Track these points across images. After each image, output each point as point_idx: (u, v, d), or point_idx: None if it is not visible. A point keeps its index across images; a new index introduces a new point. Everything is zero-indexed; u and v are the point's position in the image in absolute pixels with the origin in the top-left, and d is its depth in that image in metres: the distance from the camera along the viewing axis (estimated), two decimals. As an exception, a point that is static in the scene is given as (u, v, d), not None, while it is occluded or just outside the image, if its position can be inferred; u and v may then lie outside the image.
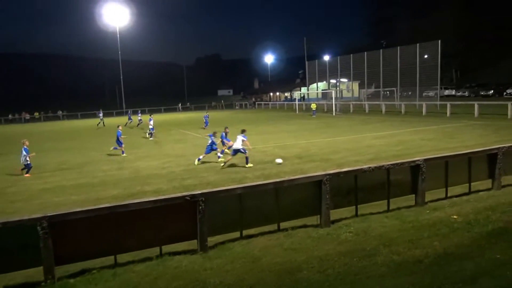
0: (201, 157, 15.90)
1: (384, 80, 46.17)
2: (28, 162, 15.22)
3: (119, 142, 19.30)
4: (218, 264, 6.55)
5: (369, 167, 8.51)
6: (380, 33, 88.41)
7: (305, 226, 7.95)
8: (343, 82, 59.93)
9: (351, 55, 50.85)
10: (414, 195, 9.02)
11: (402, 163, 8.88)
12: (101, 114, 45.17)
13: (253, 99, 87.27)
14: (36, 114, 73.88)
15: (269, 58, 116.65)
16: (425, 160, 8.97)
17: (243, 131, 15.18)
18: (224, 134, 17.38)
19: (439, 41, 38.69)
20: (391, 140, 19.57)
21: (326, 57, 63.03)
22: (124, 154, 19.05)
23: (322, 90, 61.06)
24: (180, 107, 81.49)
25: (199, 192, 7.08)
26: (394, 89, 45.19)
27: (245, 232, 7.56)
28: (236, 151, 14.62)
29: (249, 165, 14.47)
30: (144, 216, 6.77)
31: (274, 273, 6.10)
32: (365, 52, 48.50)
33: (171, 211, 6.95)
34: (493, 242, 6.68)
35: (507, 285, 5.29)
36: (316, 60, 59.69)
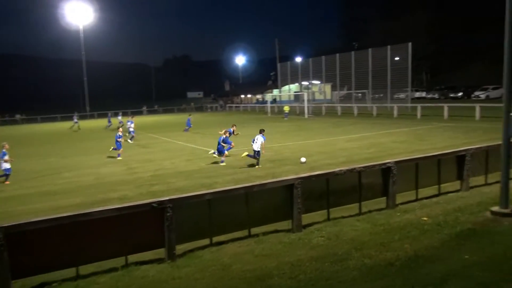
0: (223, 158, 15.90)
1: (356, 82, 47.11)
2: (7, 167, 14.53)
3: (118, 144, 19.13)
4: (186, 273, 6.49)
5: (341, 170, 8.65)
6: (352, 35, 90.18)
7: (276, 231, 7.99)
8: (315, 84, 60.70)
9: (323, 57, 51.65)
10: (385, 197, 9.23)
11: (373, 166, 9.08)
12: (75, 118, 44.60)
13: (220, 102, 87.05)
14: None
15: (240, 60, 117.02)
16: (396, 162, 9.21)
17: (261, 131, 15.41)
18: (230, 133, 17.15)
19: (410, 43, 39.87)
20: (363, 142, 19.96)
21: (298, 59, 63.92)
22: (120, 158, 18.78)
23: (294, 92, 61.61)
24: (145, 110, 78.31)
25: (167, 198, 7.01)
26: (366, 91, 46.17)
27: (215, 239, 7.53)
28: (256, 153, 14.89)
29: (259, 166, 14.78)
30: (108, 225, 6.63)
31: (245, 281, 6.10)
32: (337, 54, 49.37)
33: (137, 219, 6.84)
34: (462, 243, 6.92)
35: (475, 286, 5.47)
36: (288, 62, 60.33)
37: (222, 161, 16.01)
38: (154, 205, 6.81)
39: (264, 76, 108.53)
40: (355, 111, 41.48)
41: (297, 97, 58.61)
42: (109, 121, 41.00)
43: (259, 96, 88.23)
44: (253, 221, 7.85)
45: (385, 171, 9.12)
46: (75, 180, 14.47)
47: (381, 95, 46.14)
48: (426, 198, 9.72)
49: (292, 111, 45.86)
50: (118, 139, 19.18)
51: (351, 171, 8.73)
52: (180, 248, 7.17)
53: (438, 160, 10.01)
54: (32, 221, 6.23)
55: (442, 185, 10.12)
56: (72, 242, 6.43)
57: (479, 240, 6.99)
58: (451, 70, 70.52)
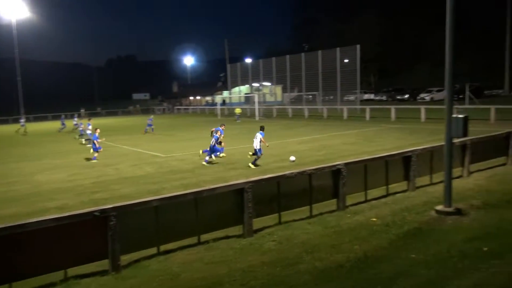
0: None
1: (306, 84, 48.15)
2: None
3: (94, 146, 18.93)
4: (132, 284, 6.32)
5: (292, 173, 8.80)
6: (303, 36, 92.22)
7: (227, 237, 7.98)
8: (266, 86, 61.40)
9: (274, 58, 52.36)
10: (335, 199, 9.49)
11: (323, 168, 9.31)
12: (22, 120, 42.40)
13: (164, 104, 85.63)
14: None
15: (189, 60, 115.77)
16: (346, 164, 9.50)
17: (262, 128, 15.73)
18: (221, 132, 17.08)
19: (358, 46, 41.33)
20: (314, 144, 20.42)
21: (249, 60, 64.22)
22: (95, 160, 18.49)
23: (245, 94, 61.94)
24: (83, 113, 68.24)
25: (110, 206, 6.79)
26: (316, 93, 47.30)
27: (162, 248, 7.39)
28: (257, 151, 15.12)
29: (252, 166, 14.88)
30: (45, 237, 6.32)
31: (194, 290, 6.04)
32: (287, 56, 50.22)
33: (78, 229, 6.58)
34: (408, 242, 7.25)
35: (422, 284, 5.75)
36: (238, 63, 60.60)
37: (206, 160, 16.28)
38: (96, 214, 6.58)
39: (214, 78, 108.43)
40: (306, 113, 42.35)
41: (248, 99, 58.99)
42: (63, 124, 39.36)
43: (208, 98, 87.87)
44: (203, 227, 7.79)
45: (335, 173, 9.38)
46: (9, 189, 13.67)
47: (331, 97, 47.46)
48: (375, 199, 10.10)
49: (243, 113, 46.06)
50: (95, 141, 18.94)
51: (301, 173, 8.90)
52: (125, 258, 6.98)
53: (386, 161, 10.44)
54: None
55: (390, 186, 10.56)
56: (4, 256, 6.07)
57: (425, 239, 7.36)
58: (398, 72, 73.87)
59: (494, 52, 55.09)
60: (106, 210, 6.67)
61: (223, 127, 17.76)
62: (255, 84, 59.65)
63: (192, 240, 7.73)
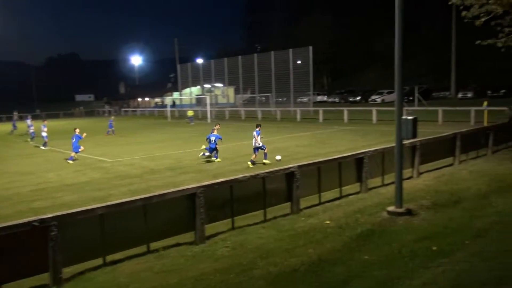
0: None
1: (259, 86, 48.52)
2: None
3: (76, 146, 19.03)
4: (76, 298, 6.09)
5: (245, 177, 8.82)
6: (255, 37, 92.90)
7: (178, 244, 7.87)
8: (218, 87, 61.25)
9: (225, 58, 52.37)
10: (289, 203, 9.61)
11: (277, 171, 9.40)
12: None
13: (106, 107, 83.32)
14: None
15: (136, 60, 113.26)
16: (299, 167, 9.65)
17: (258, 126, 16.38)
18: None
19: (311, 47, 42.18)
20: (267, 147, 20.54)
21: (200, 60, 63.81)
22: (70, 162, 18.46)
23: (196, 95, 61.49)
24: (16, 115, 63.89)
25: (51, 215, 6.51)
26: (270, 94, 47.77)
27: (109, 258, 7.17)
28: (257, 149, 15.85)
29: (250, 165, 15.51)
30: (-23, 250, 5.96)
31: (144, 301, 5.90)
32: (239, 56, 50.39)
33: (15, 240, 6.24)
34: (362, 244, 7.47)
35: (374, 285, 5.95)
36: (189, 63, 60.09)
37: (204, 154, 17.26)
38: (35, 223, 6.28)
39: (164, 78, 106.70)
40: (259, 115, 42.65)
41: (199, 101, 58.59)
42: (14, 126, 37.32)
43: (158, 100, 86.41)
44: (153, 235, 7.63)
45: (289, 176, 9.51)
46: None
47: (285, 98, 48.12)
48: (329, 201, 10.33)
49: (194, 116, 45.68)
50: (77, 139, 19.14)
51: (255, 177, 8.94)
52: (68, 271, 6.70)
53: (339, 163, 10.71)
54: None
55: (343, 188, 10.83)
56: None
57: (377, 240, 7.62)
58: (350, 74, 76.10)
59: (441, 54, 58.01)
60: (46, 219, 6.38)
61: (218, 127, 18.34)
62: (207, 85, 59.36)
63: (141, 249, 7.55)
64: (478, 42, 15.18)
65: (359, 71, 73.06)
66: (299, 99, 48.39)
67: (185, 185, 9.83)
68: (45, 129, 25.32)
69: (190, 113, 42.96)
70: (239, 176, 8.90)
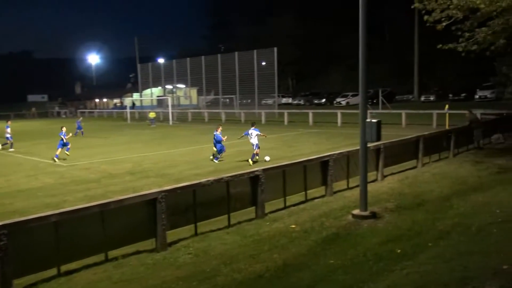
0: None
1: (223, 87, 48.39)
2: None
3: (61, 143, 19.44)
4: (27, 312, 5.86)
5: (208, 181, 8.77)
6: (219, 37, 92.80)
7: (138, 252, 7.73)
8: (180, 88, 60.69)
9: (188, 59, 51.93)
10: (254, 207, 9.63)
11: (241, 175, 9.41)
12: None
13: (57, 108, 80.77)
14: None
15: (93, 58, 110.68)
16: (264, 170, 9.69)
17: (253, 124, 17.33)
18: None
19: (275, 48, 42.49)
20: (232, 150, 20.54)
21: (161, 60, 63.05)
22: (57, 161, 18.73)
23: (157, 96, 60.67)
24: None
25: (0, 223, 6.24)
26: (234, 96, 47.74)
27: (63, 268, 6.95)
28: (257, 146, 16.55)
29: (250, 162, 16.01)
30: None
31: (101, 313, 5.75)
32: (203, 57, 50.11)
33: (-41, 252, 5.96)
34: (327, 248, 7.58)
35: (340, 289, 6.04)
36: (150, 63, 59.19)
37: (216, 158, 17.20)
38: (-17, 233, 6.01)
39: (123, 78, 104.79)
40: (223, 117, 42.56)
41: (161, 102, 57.85)
42: None
43: (117, 101, 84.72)
44: (111, 243, 7.46)
45: (253, 179, 9.52)
46: None
47: (249, 100, 48.21)
48: (294, 205, 10.42)
49: (155, 118, 45.07)
50: (63, 137, 19.51)
51: (218, 181, 8.91)
52: (19, 282, 6.46)
53: (304, 167, 10.83)
54: None
55: (308, 192, 10.97)
56: None
57: (342, 244, 7.75)
58: (315, 75, 77.17)
59: (404, 58, 59.80)
60: (-5, 228, 6.12)
61: (220, 128, 18.02)
62: (169, 86, 58.70)
63: (99, 257, 7.37)
64: (439, 46, 15.73)
65: (324, 72, 74.14)
66: (264, 101, 48.59)
67: (146, 190, 9.69)
68: (9, 130, 24.31)
69: (151, 115, 42.36)
70: (202, 180, 8.84)
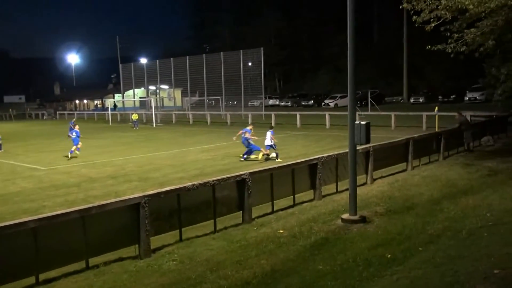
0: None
1: (208, 88, 48.36)
2: None
3: (76, 140, 20.55)
4: (4, 322, 5.77)
5: (193, 185, 8.74)
6: (204, 37, 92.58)
7: (121, 259, 7.68)
8: (164, 89, 60.46)
9: (172, 59, 51.76)
10: (241, 212, 9.62)
11: (227, 178, 9.39)
12: None
13: (26, 109, 79.92)
14: None
15: (73, 58, 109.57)
16: (251, 173, 9.68)
17: (271, 127, 18.82)
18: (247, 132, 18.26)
19: (262, 48, 42.63)
20: (217, 153, 20.55)
21: (144, 60, 62.73)
22: (78, 152, 20.36)
23: (140, 97, 60.31)
24: None
25: (-25, 230, 6.15)
26: (219, 98, 47.70)
27: (42, 276, 6.86)
28: (269, 147, 17.61)
29: (279, 160, 16.88)
30: None
31: (82, 322, 5.68)
32: (187, 57, 50.00)
33: None
34: (316, 253, 7.60)
35: (329, 295, 6.05)
36: (132, 63, 58.84)
37: (244, 157, 17.79)
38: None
39: (104, 79, 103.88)
40: (208, 119, 42.48)
41: (144, 104, 57.54)
42: None
43: (98, 102, 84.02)
44: (92, 250, 7.38)
45: (240, 183, 9.51)
46: None
47: (235, 102, 48.25)
48: (282, 209, 10.44)
49: (138, 120, 44.81)
50: (76, 136, 20.72)
51: (204, 185, 8.88)
52: (-6, 292, 6.35)
53: (292, 170, 10.85)
54: None
55: (296, 195, 10.99)
56: None
57: (331, 249, 7.77)
58: (302, 77, 77.56)
59: (393, 59, 60.44)
60: (-30, 235, 6.02)
61: (251, 127, 18.99)
62: (152, 87, 58.42)
63: (80, 265, 7.29)
64: (428, 47, 15.93)
65: (312, 73, 74.52)
66: (250, 103, 48.69)
67: (129, 194, 9.63)
68: None
69: (134, 116, 42.04)
70: (187, 184, 8.81)
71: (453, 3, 13.35)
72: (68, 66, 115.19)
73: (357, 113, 25.83)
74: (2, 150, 23.98)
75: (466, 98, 45.79)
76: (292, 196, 10.90)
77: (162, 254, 7.90)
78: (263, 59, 42.91)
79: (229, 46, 55.31)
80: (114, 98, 69.80)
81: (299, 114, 35.81)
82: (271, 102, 63.28)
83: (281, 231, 8.87)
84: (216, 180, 9.17)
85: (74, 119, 34.10)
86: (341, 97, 53.73)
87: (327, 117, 33.20)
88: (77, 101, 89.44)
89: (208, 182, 9.01)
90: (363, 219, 9.21)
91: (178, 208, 8.49)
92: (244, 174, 9.59)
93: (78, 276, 7.09)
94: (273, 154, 17.57)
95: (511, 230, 8.00)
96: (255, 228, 9.19)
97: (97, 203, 7.71)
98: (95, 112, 67.56)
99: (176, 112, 49.16)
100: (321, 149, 19.83)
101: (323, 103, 56.65)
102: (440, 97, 49.21)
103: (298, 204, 10.85)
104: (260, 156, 17.49)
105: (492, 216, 8.95)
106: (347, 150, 9.96)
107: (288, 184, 10.78)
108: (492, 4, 12.91)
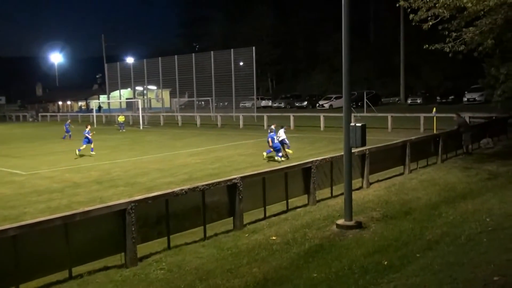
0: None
1: (198, 89, 48.24)
2: None
3: (86, 141, 21.98)
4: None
5: (182, 190, 8.72)
6: (194, 35, 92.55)
7: (106, 268, 7.64)
8: (152, 90, 60.28)
9: (160, 58, 51.61)
10: (232, 218, 9.61)
11: (218, 183, 9.38)
12: None
13: (6, 111, 79.53)
14: None
15: (56, 58, 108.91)
16: (242, 178, 9.68)
17: (282, 127, 19.39)
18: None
19: (254, 47, 42.64)
20: (207, 156, 20.51)
21: (130, 59, 62.47)
22: (93, 152, 21.86)
23: (126, 99, 60.07)
24: None
25: (-49, 239, 6.08)
26: (210, 99, 47.62)
27: (23, 287, 6.80)
28: (283, 143, 18.49)
29: (282, 159, 17.79)
30: None
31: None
32: (176, 56, 49.88)
33: None
34: (310, 260, 7.60)
35: (324, 304, 6.06)
36: (118, 63, 58.57)
37: (279, 156, 18.10)
38: None
39: (89, 79, 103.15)
40: (198, 121, 42.40)
41: (130, 105, 57.30)
42: None
43: (82, 103, 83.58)
44: (76, 258, 7.34)
45: (231, 188, 9.50)
46: None
47: (226, 103, 48.18)
48: (275, 215, 10.44)
49: (125, 122, 44.65)
50: (87, 135, 22.18)
51: (193, 190, 8.86)
52: (-28, 304, 6.28)
53: (285, 174, 10.86)
54: None
55: (290, 200, 11.00)
56: None
57: (326, 256, 7.78)
58: (295, 77, 77.75)
59: (390, 59, 60.79)
60: None
61: (274, 126, 19.50)
62: (139, 88, 58.20)
63: (62, 274, 7.24)
64: (426, 46, 16.03)
65: (305, 73, 74.69)
66: (242, 104, 48.63)
67: (114, 200, 9.58)
68: None
69: (121, 118, 41.85)
70: (176, 189, 8.78)
71: (451, 1, 13.45)
72: (51, 65, 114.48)
73: (353, 114, 25.92)
74: None
75: (465, 99, 46.09)
76: (285, 201, 10.90)
77: (149, 263, 7.87)
78: (255, 58, 42.91)
79: (220, 45, 55.33)
80: (99, 99, 69.47)
81: (293, 115, 35.88)
82: (263, 103, 63.28)
83: (273, 238, 8.87)
84: (206, 184, 9.14)
85: (69, 121, 34.30)
86: (336, 98, 53.86)
87: (322, 118, 33.27)
88: (60, 103, 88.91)
89: (197, 187, 8.99)
90: (359, 225, 9.23)
91: (166, 214, 8.47)
92: (235, 178, 9.58)
93: (61, 286, 7.05)
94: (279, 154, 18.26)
95: (511, 235, 8.05)
96: (246, 235, 9.18)
97: (81, 210, 7.68)
98: (79, 114, 67.16)
99: (164, 114, 49.01)
100: (316, 152, 19.87)
101: (317, 104, 56.78)
102: (438, 98, 49.53)
103: (291, 210, 10.85)
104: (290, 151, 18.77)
105: (492, 221, 8.99)
106: (342, 153, 9.98)
107: (281, 189, 10.79)
108: (491, 2, 13.02)
